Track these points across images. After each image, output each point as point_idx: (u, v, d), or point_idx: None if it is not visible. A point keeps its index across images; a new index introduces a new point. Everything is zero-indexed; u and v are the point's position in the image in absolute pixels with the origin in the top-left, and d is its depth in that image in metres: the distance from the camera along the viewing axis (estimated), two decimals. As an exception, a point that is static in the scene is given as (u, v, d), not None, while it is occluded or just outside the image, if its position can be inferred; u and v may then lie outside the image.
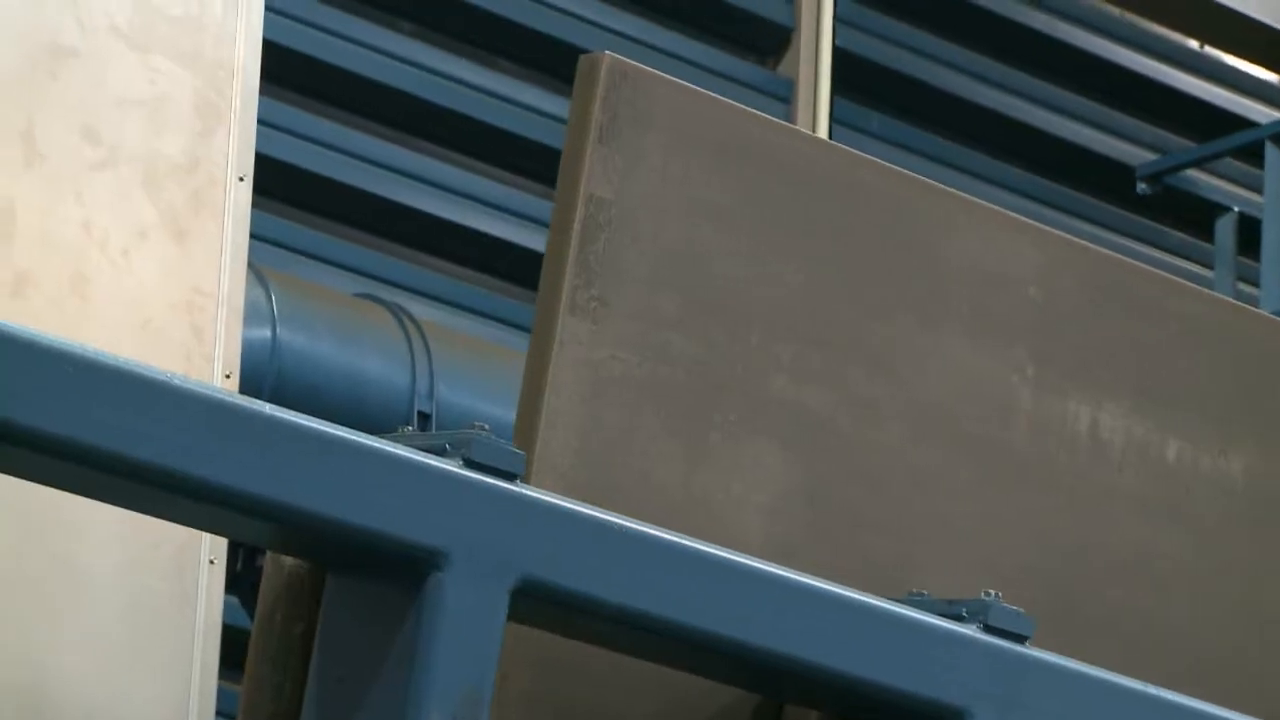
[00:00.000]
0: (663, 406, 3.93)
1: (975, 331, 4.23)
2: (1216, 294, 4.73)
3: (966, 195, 4.38)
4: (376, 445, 4.04)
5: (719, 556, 4.18)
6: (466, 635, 3.97)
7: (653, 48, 10.94)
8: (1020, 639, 4.35)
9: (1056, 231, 4.68)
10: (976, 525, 4.27)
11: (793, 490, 4.05)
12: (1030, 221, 4.64)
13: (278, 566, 4.18)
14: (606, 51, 3.99)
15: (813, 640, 4.18)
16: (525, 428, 3.93)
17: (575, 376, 3.86)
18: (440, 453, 3.98)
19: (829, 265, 4.11)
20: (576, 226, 3.82)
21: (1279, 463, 4.49)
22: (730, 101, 4.26)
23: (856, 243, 4.14)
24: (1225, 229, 11.31)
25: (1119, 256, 4.76)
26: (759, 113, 4.31)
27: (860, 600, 4.26)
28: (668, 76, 4.14)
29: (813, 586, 4.23)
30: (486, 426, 3.90)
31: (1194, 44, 13.18)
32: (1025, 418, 4.29)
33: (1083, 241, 4.70)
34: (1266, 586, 4.57)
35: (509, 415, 4.61)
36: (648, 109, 3.93)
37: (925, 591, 4.32)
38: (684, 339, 3.93)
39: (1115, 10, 12.91)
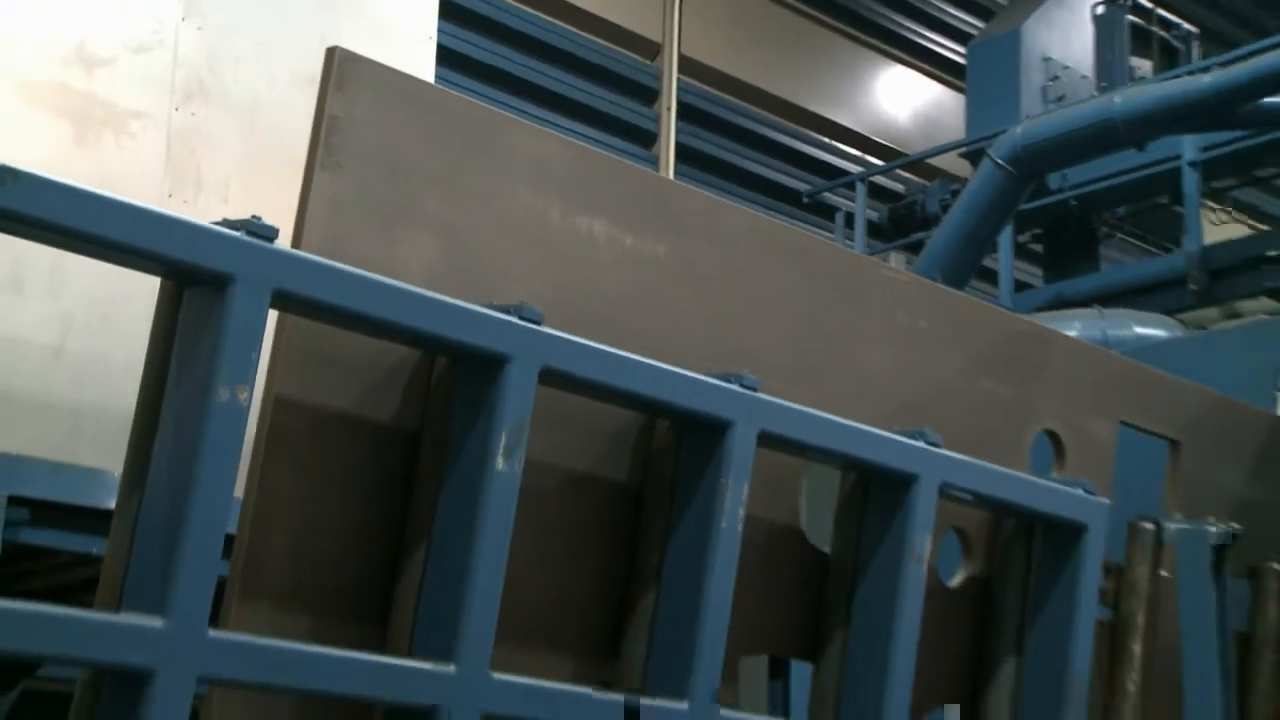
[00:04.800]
0: (370, 215, 3.64)
1: (532, 185, 3.96)
2: (627, 162, 4.41)
3: (530, 124, 4.12)
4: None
5: (611, 353, 3.85)
6: (514, 399, 3.62)
7: (579, 136, 10.71)
8: (754, 388, 4.04)
9: (572, 140, 4.27)
10: (532, 274, 3.94)
11: (439, 259, 3.76)
12: (555, 134, 4.26)
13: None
14: (339, 45, 3.70)
15: (652, 386, 3.86)
16: (298, 225, 3.55)
17: (323, 201, 3.57)
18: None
19: (462, 155, 3.83)
20: (324, 129, 3.57)
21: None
22: (414, 75, 3.92)
23: (477, 143, 3.87)
24: (839, 221, 11.16)
25: (586, 148, 4.37)
26: (429, 81, 4.01)
27: (668, 370, 3.93)
28: (377, 61, 3.76)
29: (642, 362, 3.89)
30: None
31: (825, 138, 13.01)
32: (556, 223, 3.99)
33: (574, 141, 4.29)
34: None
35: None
36: (365, 75, 3.67)
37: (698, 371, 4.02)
38: (381, 183, 3.66)
39: (793, 125, 12.76)
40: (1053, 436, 5.08)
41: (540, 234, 4.00)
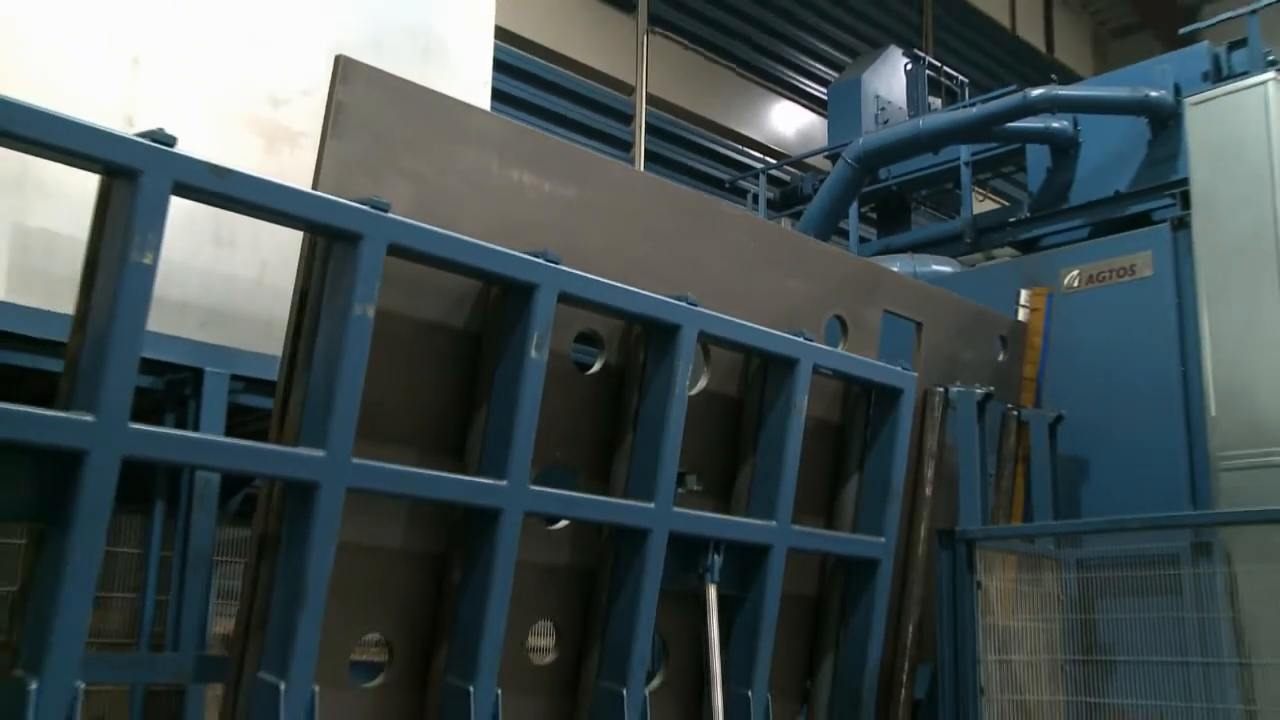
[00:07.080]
0: (364, 168, 3.35)
1: (477, 148, 3.62)
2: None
3: (475, 106, 3.69)
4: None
5: (606, 283, 3.69)
6: (542, 313, 3.53)
7: (580, 143, 10.13)
8: (695, 304, 3.87)
9: (506, 118, 3.82)
10: (477, 210, 3.57)
11: (412, 199, 3.45)
12: (495, 114, 3.82)
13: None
14: (342, 54, 3.37)
15: (630, 304, 3.74)
16: (316, 176, 3.29)
17: (333, 160, 3.31)
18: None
19: (428, 127, 3.51)
20: (333, 109, 3.32)
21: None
22: (398, 76, 3.47)
23: (438, 120, 3.54)
24: (749, 199, 10.83)
25: (518, 124, 3.89)
26: (410, 80, 3.49)
27: (639, 293, 3.77)
28: (371, 65, 3.39)
29: (624, 288, 3.74)
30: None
31: (740, 146, 12.73)
32: (495, 174, 3.61)
33: (508, 119, 3.85)
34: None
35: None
36: (360, 74, 3.37)
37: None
38: (371, 146, 3.38)
39: (720, 137, 12.45)
40: (840, 320, 4.87)
41: (483, 182, 3.70)
